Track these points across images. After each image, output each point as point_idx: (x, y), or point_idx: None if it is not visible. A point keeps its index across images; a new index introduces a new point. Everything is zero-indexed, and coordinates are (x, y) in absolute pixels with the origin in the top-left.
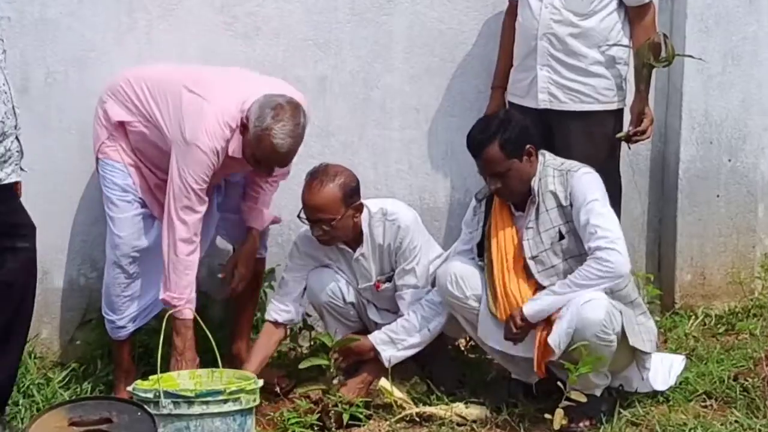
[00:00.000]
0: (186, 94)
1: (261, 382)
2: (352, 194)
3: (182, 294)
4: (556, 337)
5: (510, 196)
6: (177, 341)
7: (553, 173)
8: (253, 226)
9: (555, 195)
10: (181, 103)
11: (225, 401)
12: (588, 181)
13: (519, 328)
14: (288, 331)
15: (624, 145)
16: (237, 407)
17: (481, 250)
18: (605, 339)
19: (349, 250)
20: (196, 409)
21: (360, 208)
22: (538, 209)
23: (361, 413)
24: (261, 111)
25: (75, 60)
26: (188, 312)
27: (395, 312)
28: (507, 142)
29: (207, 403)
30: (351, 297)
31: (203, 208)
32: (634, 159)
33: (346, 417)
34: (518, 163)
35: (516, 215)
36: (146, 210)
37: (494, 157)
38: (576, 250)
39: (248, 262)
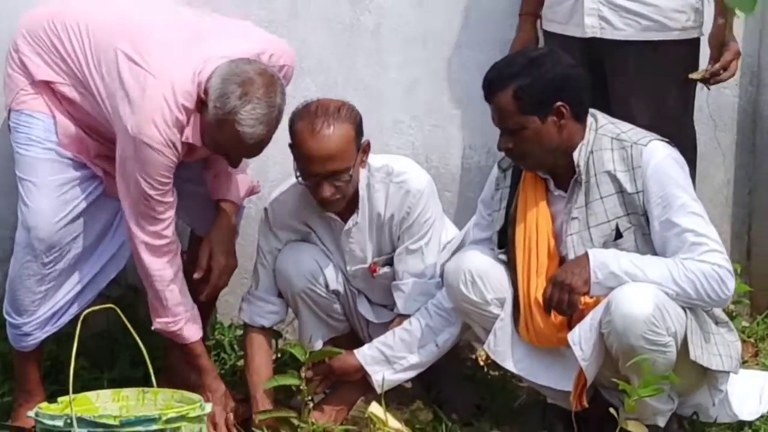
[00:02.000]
0: (123, 63)
1: (209, 408)
2: (360, 130)
3: (177, 315)
4: (576, 333)
5: (525, 163)
6: (201, 376)
7: (611, 145)
8: (225, 197)
9: (614, 177)
10: (120, 76)
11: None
12: (666, 161)
13: (569, 290)
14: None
15: (701, 88)
16: None
17: (504, 240)
18: (656, 342)
19: (338, 219)
20: None
21: (368, 150)
22: (587, 194)
23: None
24: (224, 87)
25: None
26: (192, 332)
27: (393, 309)
28: (525, 91)
29: None
30: (336, 284)
31: (171, 212)
32: (716, 109)
33: None
34: (538, 123)
35: (555, 194)
36: (79, 173)
37: (505, 108)
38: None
39: (227, 247)
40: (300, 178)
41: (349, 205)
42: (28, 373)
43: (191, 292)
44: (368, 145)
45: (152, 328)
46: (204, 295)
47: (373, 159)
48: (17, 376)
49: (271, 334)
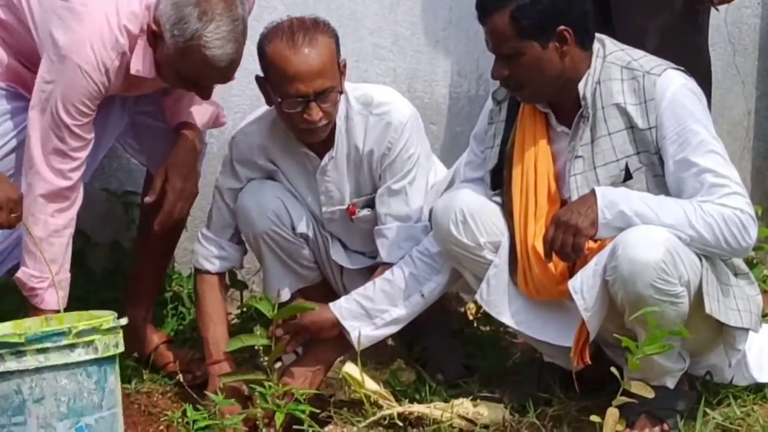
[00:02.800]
0: None
1: (125, 321)
2: (338, 48)
3: (45, 272)
4: (578, 280)
5: (523, 94)
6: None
7: (621, 74)
8: (188, 120)
9: (624, 110)
10: None
11: (72, 347)
12: (682, 93)
13: (574, 232)
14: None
15: (713, 8)
16: (91, 356)
17: (499, 181)
18: (667, 292)
19: (313, 154)
20: (30, 362)
21: (344, 72)
22: (594, 130)
23: (303, 411)
24: (178, 11)
25: None
26: (53, 299)
27: (373, 257)
28: (524, 13)
29: (45, 351)
30: (305, 227)
31: (84, 154)
32: (735, 31)
33: (279, 418)
34: (538, 49)
35: (557, 130)
36: (12, 105)
37: (501, 31)
38: None
39: (186, 170)
40: (284, 105)
41: (325, 141)
42: None
43: (147, 227)
44: (344, 65)
45: (13, 276)
46: (157, 223)
47: (352, 88)
48: None
49: (224, 280)
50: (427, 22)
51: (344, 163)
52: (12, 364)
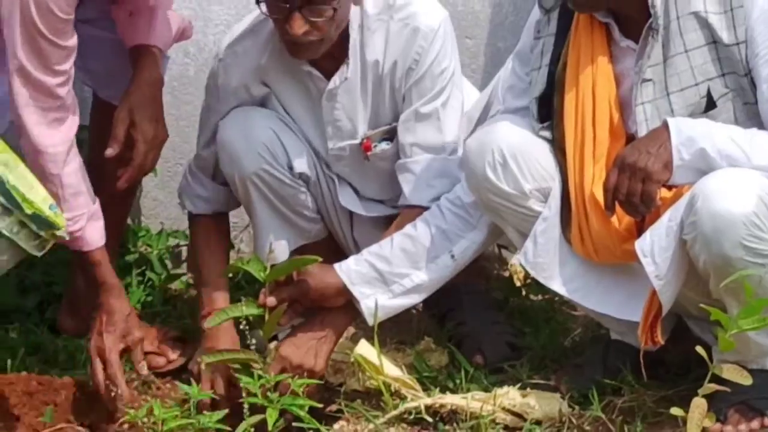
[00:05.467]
0: None
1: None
2: None
3: (76, 208)
4: (648, 240)
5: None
6: (100, 293)
7: None
8: (148, 42)
9: (704, 21)
10: None
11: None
12: None
13: (644, 177)
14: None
15: None
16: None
17: (548, 111)
18: (761, 252)
19: (320, 76)
20: None
21: None
22: (667, 46)
23: (302, 407)
24: None
25: None
26: (96, 233)
27: (393, 206)
28: None
29: None
30: (305, 165)
31: (70, 63)
32: None
33: (272, 416)
34: None
35: (621, 46)
36: None
37: None
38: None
39: (154, 111)
40: (263, 6)
41: (335, 56)
42: None
43: (102, 174)
44: None
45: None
46: (124, 180)
47: None
48: None
49: (224, 222)
50: None
51: (358, 84)
52: None
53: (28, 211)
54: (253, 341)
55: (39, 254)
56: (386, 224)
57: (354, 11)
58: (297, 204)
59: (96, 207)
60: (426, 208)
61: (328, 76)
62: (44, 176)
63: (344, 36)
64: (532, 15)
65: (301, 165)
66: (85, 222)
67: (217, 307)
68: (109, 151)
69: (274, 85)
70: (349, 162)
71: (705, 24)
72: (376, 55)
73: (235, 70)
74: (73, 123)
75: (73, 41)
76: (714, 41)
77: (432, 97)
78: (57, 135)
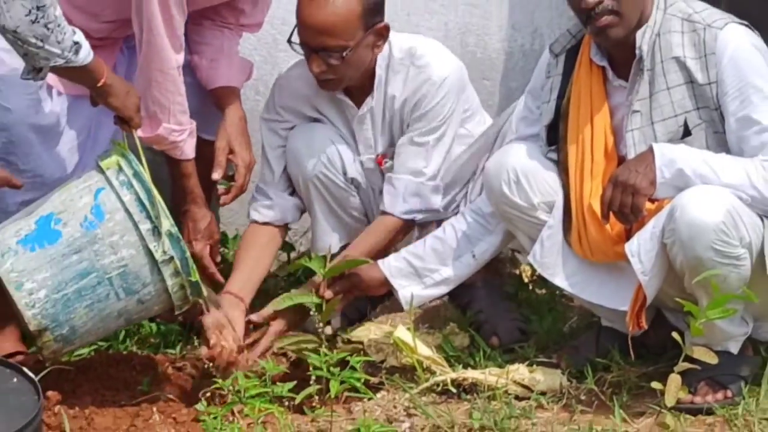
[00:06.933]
0: None
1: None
2: (375, 10)
3: (182, 123)
4: (635, 243)
5: (615, 28)
6: (186, 201)
7: (681, 27)
8: (228, 84)
9: (683, 65)
10: None
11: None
12: (745, 47)
13: (633, 191)
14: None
15: None
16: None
17: (555, 137)
18: (728, 254)
19: (351, 104)
20: None
21: (383, 34)
22: (652, 84)
23: (358, 380)
24: None
25: None
26: (191, 147)
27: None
28: None
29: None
30: (356, 172)
31: (183, 20)
32: None
33: (335, 387)
34: None
35: (614, 84)
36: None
37: None
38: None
39: (247, 139)
40: (293, 43)
41: (365, 89)
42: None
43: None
44: (385, 28)
45: (153, 133)
46: (231, 197)
47: (400, 39)
48: None
49: (279, 233)
50: None
51: (380, 113)
52: None
53: (193, 279)
54: (321, 326)
55: (177, 312)
56: (418, 227)
57: (383, 54)
58: (348, 206)
59: (194, 126)
60: (397, 218)
61: (359, 104)
62: (161, 93)
63: (372, 73)
64: (542, 59)
65: (353, 171)
66: (186, 135)
67: (241, 294)
68: (215, 175)
69: (321, 109)
70: (372, 172)
71: (684, 67)
72: (395, 91)
73: (287, 91)
74: (182, 55)
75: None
76: (691, 81)
77: (427, 131)
78: (179, 57)
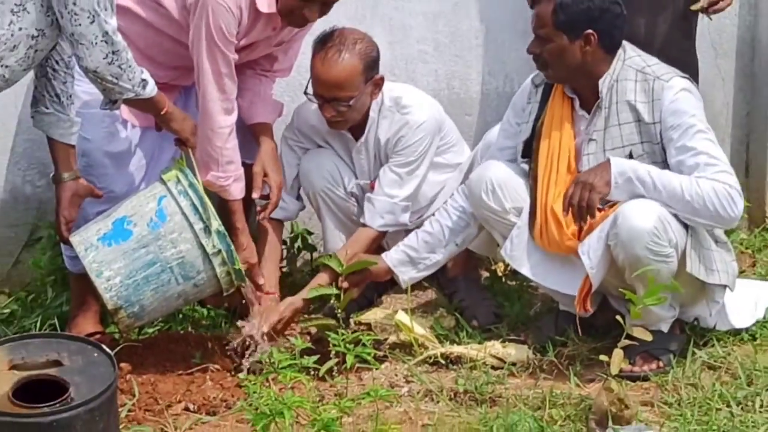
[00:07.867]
0: None
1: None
2: (372, 66)
3: (228, 172)
4: (586, 244)
5: (547, 72)
6: (234, 234)
7: (636, 76)
8: (263, 121)
9: (633, 107)
10: None
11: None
12: (684, 95)
13: (591, 188)
14: (282, 229)
15: (701, 18)
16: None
17: (528, 151)
18: (659, 253)
19: (351, 137)
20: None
21: (379, 84)
22: (607, 119)
23: (368, 354)
24: None
25: None
26: (238, 190)
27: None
28: (564, 10)
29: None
30: (353, 186)
31: (231, 69)
32: (717, 37)
33: (350, 359)
34: (565, 41)
35: (579, 114)
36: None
37: (543, 17)
38: None
39: (278, 165)
40: (309, 95)
41: (361, 127)
42: (81, 288)
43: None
44: (381, 79)
45: (203, 179)
46: (267, 213)
47: (393, 88)
48: (72, 292)
49: (281, 226)
50: (462, 31)
51: (371, 147)
52: None
53: (236, 267)
54: (339, 311)
55: (225, 294)
56: (404, 231)
57: (377, 100)
58: (350, 214)
59: (241, 172)
60: (375, 230)
61: (357, 137)
62: (212, 148)
63: (367, 115)
64: (524, 86)
65: (352, 187)
66: (231, 181)
67: (266, 288)
68: (255, 195)
69: (328, 139)
70: (369, 191)
71: (634, 108)
72: (381, 133)
73: (303, 120)
74: (234, 115)
75: (234, 56)
76: (639, 120)
77: (404, 164)
78: (228, 120)
